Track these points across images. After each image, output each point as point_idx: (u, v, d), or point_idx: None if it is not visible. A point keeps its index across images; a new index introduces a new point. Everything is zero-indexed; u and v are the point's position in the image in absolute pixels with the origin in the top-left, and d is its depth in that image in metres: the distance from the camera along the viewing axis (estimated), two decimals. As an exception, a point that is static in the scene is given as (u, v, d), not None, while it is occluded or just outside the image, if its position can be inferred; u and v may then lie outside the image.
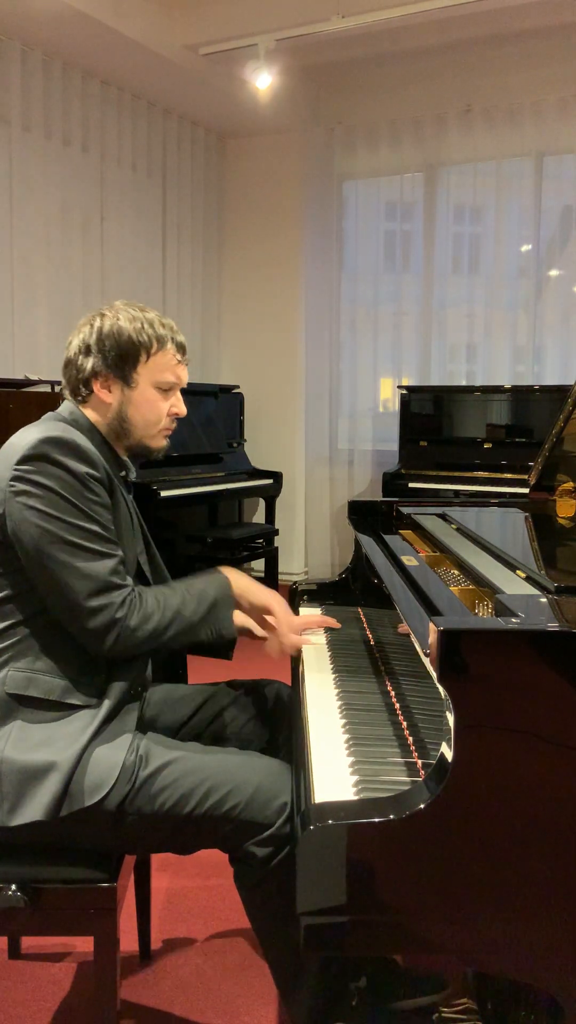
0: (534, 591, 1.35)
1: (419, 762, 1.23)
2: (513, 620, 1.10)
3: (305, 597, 2.15)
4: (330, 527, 5.69)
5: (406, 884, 1.06)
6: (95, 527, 1.41)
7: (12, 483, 1.40)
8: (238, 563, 5.10)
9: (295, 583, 2.20)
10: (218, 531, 5.00)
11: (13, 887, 1.36)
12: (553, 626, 1.06)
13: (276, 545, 5.33)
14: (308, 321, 5.55)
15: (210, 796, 1.36)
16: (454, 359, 5.32)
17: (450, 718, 1.05)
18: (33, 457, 1.40)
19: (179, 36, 4.40)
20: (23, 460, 1.40)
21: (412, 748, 1.29)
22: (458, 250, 5.23)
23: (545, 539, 1.95)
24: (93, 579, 1.39)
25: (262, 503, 5.48)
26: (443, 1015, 1.53)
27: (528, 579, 1.42)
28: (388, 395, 5.51)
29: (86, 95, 4.56)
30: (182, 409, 1.59)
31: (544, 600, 1.26)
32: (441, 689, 1.05)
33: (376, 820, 1.05)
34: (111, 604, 1.40)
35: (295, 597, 2.14)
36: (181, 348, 1.58)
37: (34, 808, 1.33)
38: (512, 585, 1.39)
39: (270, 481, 5.24)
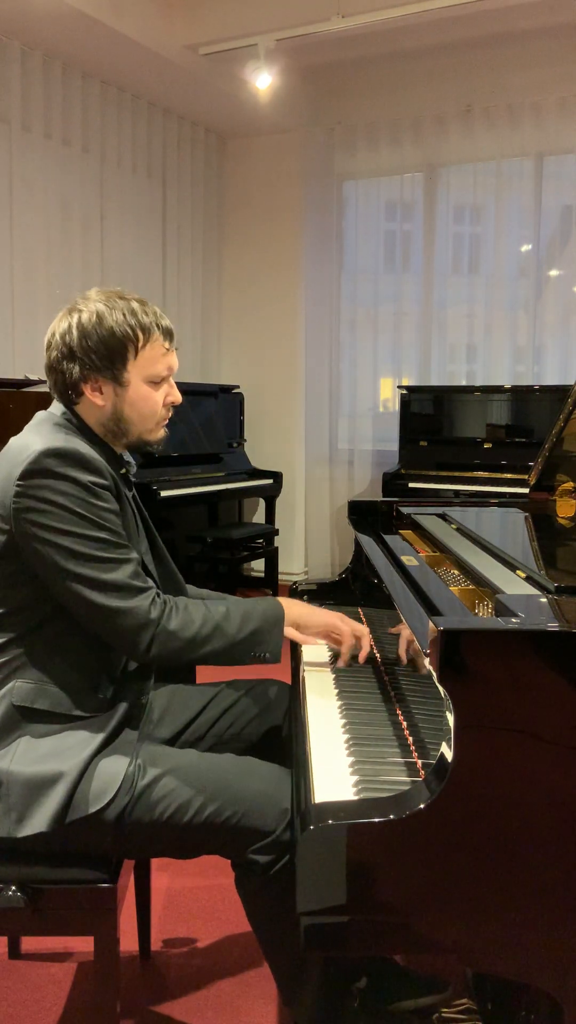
0: (534, 591, 1.35)
1: (419, 762, 1.23)
2: (513, 620, 1.10)
3: (305, 597, 2.14)
4: (330, 527, 5.69)
5: (406, 884, 1.06)
6: (106, 535, 1.38)
7: (17, 500, 1.36)
8: (238, 563, 5.10)
9: (295, 583, 2.20)
10: (218, 531, 5.00)
11: (13, 887, 1.37)
12: (553, 626, 1.06)
13: (276, 545, 5.33)
14: (308, 321, 5.55)
15: (209, 805, 1.35)
16: (454, 359, 5.32)
17: (450, 718, 1.05)
18: (35, 472, 1.35)
19: (179, 36, 4.40)
20: (26, 475, 1.36)
21: (412, 748, 1.29)
22: (458, 250, 5.23)
23: (545, 539, 1.95)
24: (115, 587, 1.37)
25: (262, 503, 5.48)
26: (443, 1015, 1.53)
27: (528, 579, 1.42)
28: (388, 395, 5.50)
29: (86, 95, 4.56)
30: (177, 396, 1.54)
31: (544, 600, 1.26)
32: (441, 689, 1.05)
33: (376, 820, 1.05)
34: (139, 606, 1.38)
35: (295, 597, 2.14)
36: (168, 335, 1.50)
37: (40, 818, 1.33)
38: (512, 585, 1.39)
39: (270, 481, 5.25)
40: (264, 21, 4.25)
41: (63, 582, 1.37)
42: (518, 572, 1.48)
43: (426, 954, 1.48)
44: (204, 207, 5.56)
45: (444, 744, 1.08)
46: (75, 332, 1.44)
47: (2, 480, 1.40)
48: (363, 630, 1.64)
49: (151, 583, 1.43)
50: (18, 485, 1.36)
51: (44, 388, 3.93)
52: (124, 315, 1.44)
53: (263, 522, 5.42)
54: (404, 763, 1.25)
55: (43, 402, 3.80)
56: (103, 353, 1.44)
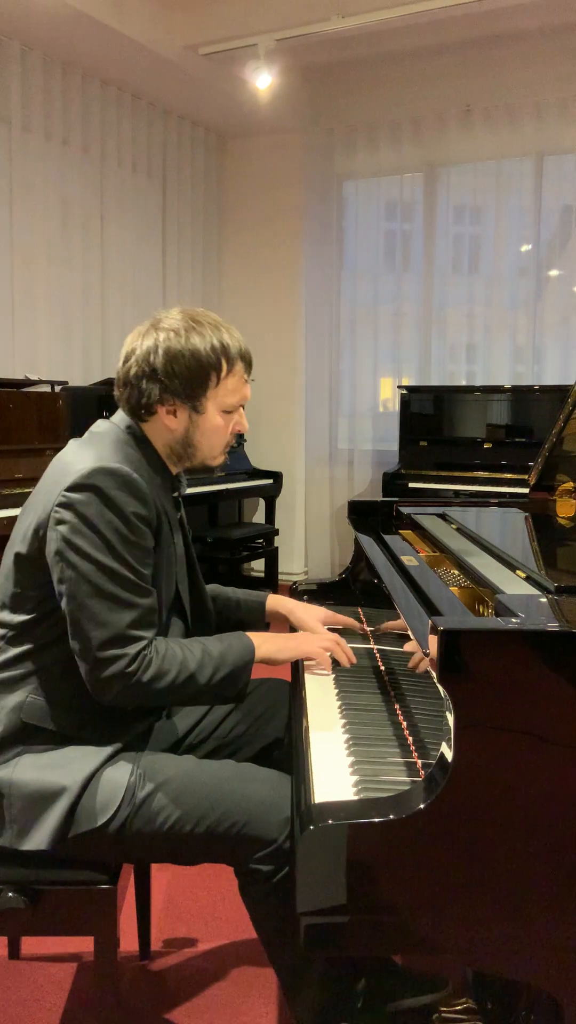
0: (534, 591, 1.35)
1: (419, 762, 1.23)
2: (513, 620, 1.10)
3: (305, 597, 2.14)
4: (330, 527, 5.69)
5: (406, 884, 1.06)
6: (127, 572, 1.34)
7: (57, 509, 1.34)
8: (238, 563, 5.10)
9: (295, 583, 2.20)
10: (218, 531, 5.00)
11: (13, 889, 1.37)
12: (553, 626, 1.06)
13: (276, 545, 5.32)
14: (308, 321, 5.55)
15: (209, 815, 1.34)
16: (454, 359, 5.32)
17: (450, 718, 1.05)
18: (84, 487, 1.33)
19: (179, 36, 4.40)
20: (74, 488, 1.33)
21: (412, 748, 1.29)
22: (458, 250, 5.23)
23: (545, 539, 1.95)
24: (109, 628, 1.33)
25: (262, 503, 5.48)
26: (443, 1015, 1.53)
27: (528, 579, 1.42)
28: (388, 395, 5.50)
29: (86, 95, 4.56)
30: (245, 425, 1.53)
31: (544, 600, 1.26)
32: (441, 689, 1.05)
33: (376, 820, 1.05)
34: (123, 656, 1.33)
35: (295, 597, 2.14)
36: (249, 365, 1.50)
37: (42, 834, 1.33)
38: (512, 585, 1.39)
39: (270, 481, 5.25)
40: (264, 21, 4.24)
41: (68, 600, 1.35)
42: (518, 572, 1.48)
43: (426, 954, 1.48)
44: (204, 207, 5.56)
45: (444, 744, 1.08)
46: (161, 354, 1.41)
47: (49, 485, 1.38)
48: (331, 642, 1.61)
49: (148, 634, 1.37)
50: (63, 495, 1.34)
51: (44, 388, 3.94)
52: (212, 342, 1.42)
53: (263, 522, 5.42)
54: (404, 763, 1.25)
55: (43, 402, 3.83)
56: (186, 379, 1.42)
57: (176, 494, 1.56)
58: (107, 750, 1.40)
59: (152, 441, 1.48)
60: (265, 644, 1.51)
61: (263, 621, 1.81)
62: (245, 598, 1.81)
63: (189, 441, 1.48)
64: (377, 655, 1.68)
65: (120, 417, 1.49)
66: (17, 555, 1.42)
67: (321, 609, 1.78)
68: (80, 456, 1.38)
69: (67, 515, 1.33)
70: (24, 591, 1.42)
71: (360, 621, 1.92)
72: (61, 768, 1.36)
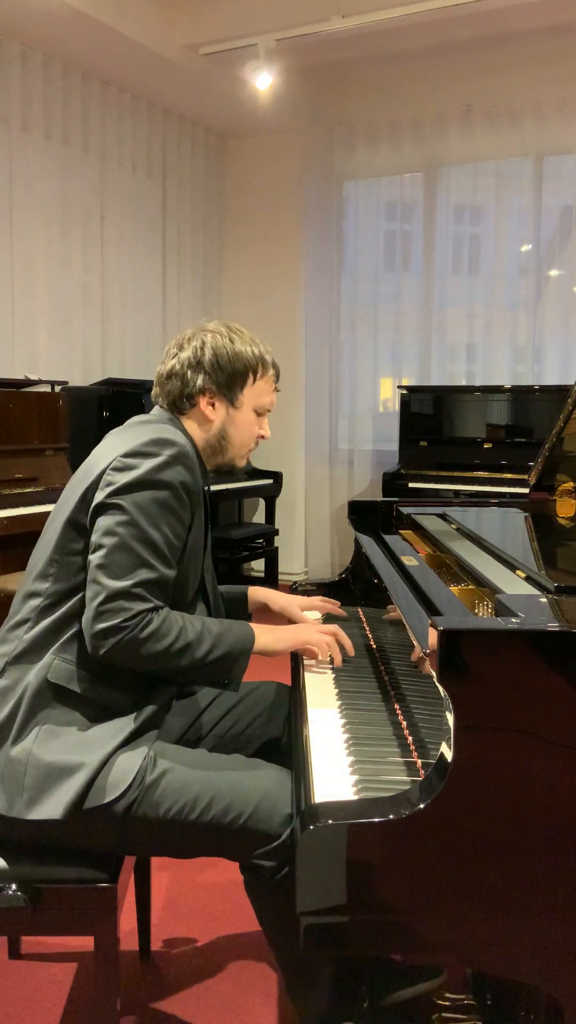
0: (534, 591, 1.35)
1: (419, 762, 1.23)
2: (513, 620, 1.10)
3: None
4: (330, 527, 5.69)
5: (406, 884, 1.06)
6: (159, 537, 1.40)
7: (111, 472, 1.41)
8: (238, 563, 5.10)
9: (295, 583, 2.21)
10: (218, 531, 5.00)
11: (14, 887, 1.37)
12: (553, 626, 1.06)
13: (276, 545, 5.33)
14: (308, 321, 5.55)
15: (214, 805, 1.35)
16: (454, 359, 5.32)
17: (450, 718, 1.05)
18: (140, 453, 1.42)
19: (179, 36, 4.40)
20: (130, 454, 1.42)
21: (412, 748, 1.29)
22: (458, 250, 5.23)
23: (545, 539, 1.95)
24: (123, 582, 1.36)
25: (262, 503, 5.48)
26: (443, 1016, 1.53)
27: (528, 579, 1.43)
28: (388, 395, 5.51)
29: (86, 95, 4.56)
30: (268, 432, 1.65)
31: (544, 600, 1.26)
32: (441, 689, 1.05)
33: (376, 820, 1.05)
34: (125, 611, 1.35)
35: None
36: (278, 375, 1.65)
37: (53, 805, 1.33)
38: (512, 585, 1.39)
39: (270, 481, 5.25)
40: (264, 21, 4.25)
41: (94, 548, 1.39)
42: (518, 572, 1.48)
43: (426, 954, 1.48)
44: (204, 207, 5.56)
45: (444, 744, 1.08)
46: (208, 349, 1.55)
47: (110, 449, 1.45)
48: (329, 635, 1.65)
49: (156, 603, 1.40)
50: (119, 460, 1.41)
51: (44, 388, 3.95)
52: (252, 348, 1.58)
53: (263, 522, 5.42)
54: (404, 763, 1.25)
55: (43, 402, 3.83)
56: (229, 372, 1.56)
57: (206, 488, 1.62)
58: (126, 732, 1.40)
59: (191, 435, 1.57)
60: (265, 634, 1.55)
61: (246, 612, 1.85)
62: (227, 591, 1.85)
63: (224, 434, 1.59)
64: (377, 655, 1.69)
65: (157, 413, 1.60)
66: (67, 521, 1.46)
67: (303, 598, 1.87)
68: (131, 435, 1.46)
69: (118, 476, 1.41)
70: (64, 558, 1.45)
71: (360, 621, 1.92)
72: (81, 748, 1.37)
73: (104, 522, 1.39)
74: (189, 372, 1.56)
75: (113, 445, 1.47)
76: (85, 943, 1.92)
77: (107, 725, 1.41)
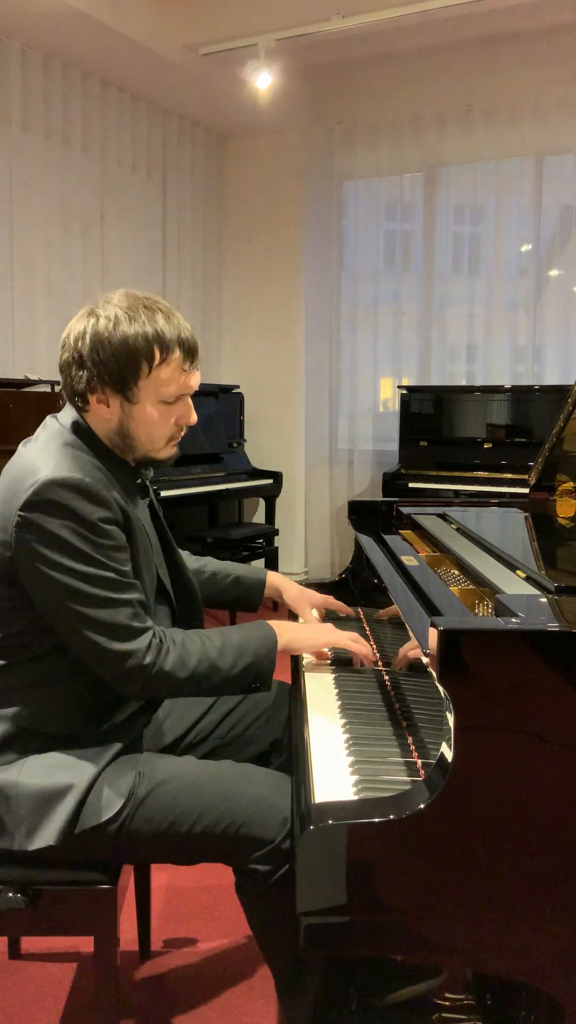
0: (534, 591, 1.35)
1: (419, 762, 1.23)
2: (513, 620, 1.10)
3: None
4: (330, 527, 5.69)
5: (406, 884, 1.06)
6: (109, 574, 1.32)
7: (18, 530, 1.29)
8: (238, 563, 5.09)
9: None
10: (218, 531, 5.00)
11: (14, 889, 1.36)
12: (553, 626, 1.06)
13: (276, 545, 5.32)
14: (308, 321, 5.55)
15: (208, 814, 1.34)
16: (454, 359, 5.32)
17: (450, 718, 1.05)
18: (39, 504, 1.28)
19: (179, 36, 4.40)
20: (29, 506, 1.29)
21: (412, 748, 1.29)
22: (458, 250, 5.22)
23: (545, 539, 1.95)
24: (113, 628, 1.32)
25: (262, 503, 5.48)
26: (443, 1016, 1.53)
27: (528, 579, 1.42)
28: (388, 395, 5.50)
29: (86, 95, 4.56)
30: (191, 418, 1.44)
31: (544, 600, 1.26)
32: (441, 689, 1.05)
33: (376, 820, 1.05)
34: (137, 650, 1.33)
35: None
36: (190, 354, 1.40)
37: (50, 831, 1.32)
38: (512, 585, 1.39)
39: (270, 481, 5.25)
40: (264, 21, 4.24)
41: (62, 618, 1.33)
42: (518, 572, 1.48)
43: (426, 954, 1.48)
44: (204, 207, 5.55)
45: (444, 744, 1.08)
46: (88, 339, 1.35)
47: (4, 502, 1.33)
48: (350, 638, 1.61)
49: (149, 623, 1.37)
50: (20, 515, 1.29)
51: (44, 388, 3.94)
52: (144, 330, 1.35)
53: (263, 522, 5.42)
54: (404, 763, 1.25)
55: (43, 402, 3.83)
56: (113, 367, 1.34)
57: (139, 480, 1.51)
58: (111, 750, 1.39)
59: (97, 435, 1.42)
60: (287, 632, 1.52)
61: (261, 598, 1.83)
62: (244, 574, 1.82)
63: (125, 432, 1.40)
64: (377, 655, 1.68)
65: (66, 413, 1.43)
66: None
67: (316, 593, 1.84)
68: (31, 467, 1.32)
69: (31, 535, 1.29)
70: (11, 605, 1.39)
71: (360, 621, 1.92)
72: (68, 768, 1.36)
73: (51, 590, 1.30)
74: (73, 368, 1.37)
75: (16, 482, 1.33)
76: (85, 943, 1.92)
77: (93, 745, 1.40)
